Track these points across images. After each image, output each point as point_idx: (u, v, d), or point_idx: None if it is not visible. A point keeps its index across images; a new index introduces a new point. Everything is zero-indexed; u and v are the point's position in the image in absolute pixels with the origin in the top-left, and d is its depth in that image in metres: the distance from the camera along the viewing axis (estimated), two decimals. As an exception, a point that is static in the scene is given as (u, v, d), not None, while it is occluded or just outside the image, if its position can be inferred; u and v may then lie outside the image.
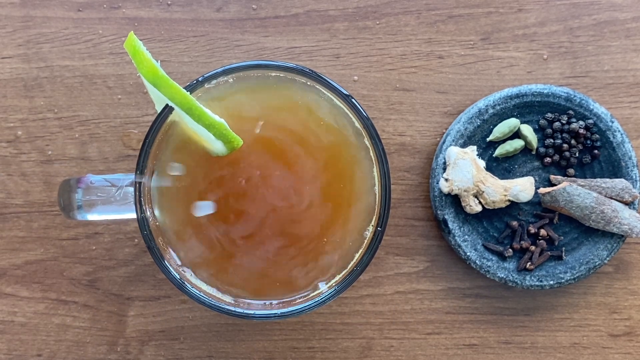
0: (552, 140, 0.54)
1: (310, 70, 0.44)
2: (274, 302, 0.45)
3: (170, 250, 0.45)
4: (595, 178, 0.55)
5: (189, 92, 0.41)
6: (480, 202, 0.53)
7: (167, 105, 0.43)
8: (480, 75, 0.56)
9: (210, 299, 0.44)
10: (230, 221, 0.44)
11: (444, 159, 0.54)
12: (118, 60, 0.55)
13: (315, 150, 0.44)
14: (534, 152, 0.55)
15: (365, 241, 0.45)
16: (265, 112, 0.45)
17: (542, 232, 0.54)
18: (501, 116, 0.54)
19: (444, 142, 0.54)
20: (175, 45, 0.56)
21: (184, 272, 0.45)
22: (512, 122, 0.54)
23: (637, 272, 0.56)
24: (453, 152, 0.53)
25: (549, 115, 0.54)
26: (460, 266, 0.56)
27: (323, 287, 0.45)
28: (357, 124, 0.45)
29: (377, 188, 0.45)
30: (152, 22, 0.56)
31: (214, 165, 0.44)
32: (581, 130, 0.54)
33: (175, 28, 0.56)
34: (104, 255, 0.56)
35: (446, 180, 0.53)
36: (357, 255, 0.45)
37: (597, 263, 0.54)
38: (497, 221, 0.55)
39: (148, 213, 0.44)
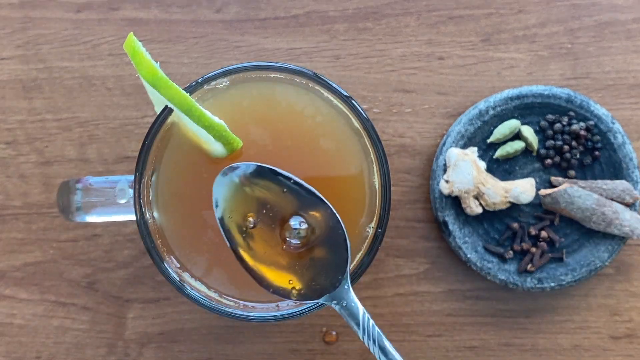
0: (552, 142, 0.54)
1: (310, 71, 0.44)
2: (274, 304, 0.45)
3: (170, 252, 0.45)
4: (596, 179, 0.54)
5: (188, 94, 0.40)
6: (480, 204, 0.53)
7: (166, 106, 0.43)
8: (480, 76, 0.56)
9: (209, 301, 0.44)
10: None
11: (445, 160, 0.54)
12: (117, 62, 0.55)
13: (315, 151, 0.44)
14: (534, 154, 0.55)
15: (366, 243, 0.45)
16: (265, 113, 0.45)
17: (543, 233, 0.54)
18: (502, 117, 0.54)
19: (444, 144, 0.54)
20: (174, 46, 0.55)
21: (183, 274, 0.45)
22: (512, 124, 0.54)
23: (638, 274, 0.56)
24: (453, 154, 0.53)
25: (550, 116, 0.54)
26: (461, 268, 0.56)
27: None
28: (357, 125, 0.44)
29: (377, 189, 0.45)
30: (151, 23, 0.55)
31: (214, 167, 0.44)
32: (582, 132, 0.54)
33: (175, 29, 0.56)
34: (103, 257, 0.55)
35: (446, 181, 0.53)
36: (357, 257, 0.45)
37: (598, 265, 0.54)
38: (497, 223, 0.55)
39: (147, 215, 0.44)
